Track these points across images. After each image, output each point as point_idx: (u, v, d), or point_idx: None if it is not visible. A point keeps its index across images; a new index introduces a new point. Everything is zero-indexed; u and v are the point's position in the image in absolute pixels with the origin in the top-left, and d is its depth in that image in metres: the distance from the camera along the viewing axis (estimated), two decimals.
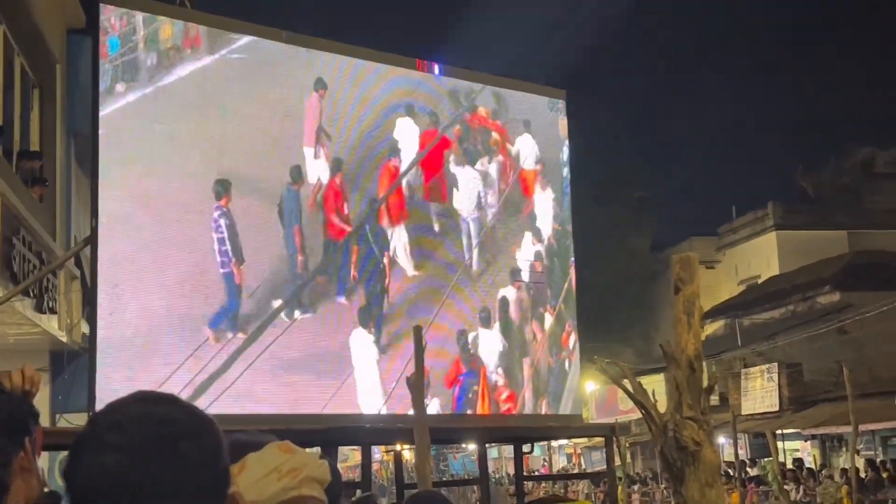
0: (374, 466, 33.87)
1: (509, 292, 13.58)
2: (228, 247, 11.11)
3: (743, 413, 28.33)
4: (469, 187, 13.53)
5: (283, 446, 1.75)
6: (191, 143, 11.01)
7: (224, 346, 10.92)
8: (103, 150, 10.40)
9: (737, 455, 25.17)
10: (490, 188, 13.67)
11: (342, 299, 11.97)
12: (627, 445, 31.22)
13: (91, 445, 1.31)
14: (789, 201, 42.58)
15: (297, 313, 11.62)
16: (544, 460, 39.84)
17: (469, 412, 13.06)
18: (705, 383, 6.68)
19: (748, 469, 27.49)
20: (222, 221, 11.17)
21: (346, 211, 12.19)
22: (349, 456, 32.73)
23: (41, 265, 11.14)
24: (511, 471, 33.38)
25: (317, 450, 10.32)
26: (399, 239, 12.78)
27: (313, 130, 12.27)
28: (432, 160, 13.16)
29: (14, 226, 10.36)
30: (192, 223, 10.87)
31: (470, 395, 13.07)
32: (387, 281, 12.51)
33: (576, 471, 37.36)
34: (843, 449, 26.79)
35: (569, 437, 31.99)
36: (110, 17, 10.70)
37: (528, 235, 14.01)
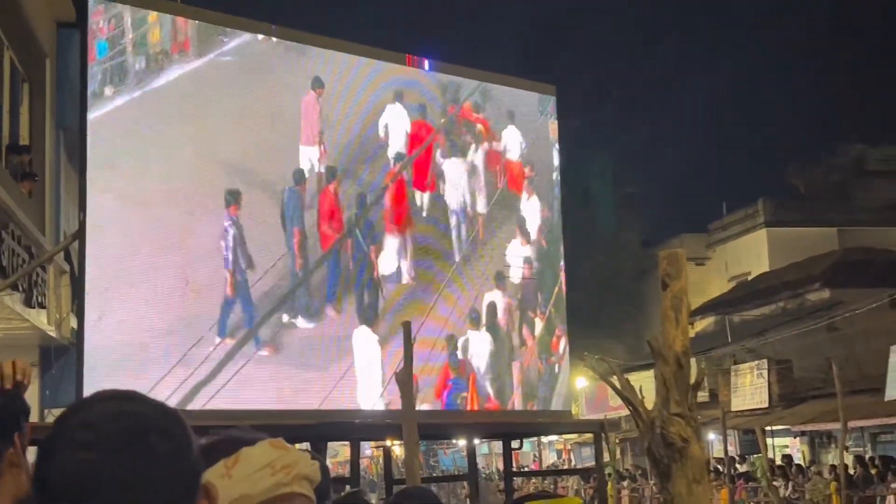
0: (364, 462, 33.86)
1: (497, 297, 13.57)
2: (239, 254, 11.17)
3: (732, 409, 28.36)
4: (456, 179, 13.52)
5: (277, 443, 1.74)
6: (179, 147, 10.99)
7: (216, 347, 10.91)
8: (91, 155, 10.38)
9: (726, 451, 25.21)
10: (476, 179, 13.65)
11: (330, 309, 11.99)
12: (617, 442, 31.25)
13: (62, 445, 1.30)
14: (780, 198, 42.61)
15: (288, 317, 11.64)
16: (534, 456, 39.85)
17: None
18: (693, 379, 6.68)
19: (737, 465, 27.53)
20: (231, 230, 11.24)
21: (338, 220, 12.20)
22: (339, 452, 32.70)
23: (30, 260, 11.11)
24: (501, 466, 33.40)
25: (306, 446, 10.32)
26: (398, 244, 12.78)
27: (312, 130, 12.27)
28: (421, 151, 13.14)
29: (3, 220, 10.33)
30: (182, 226, 10.85)
31: (459, 402, 13.09)
32: (376, 274, 12.51)
33: (565, 467, 37.39)
34: (833, 445, 26.85)
35: (558, 434, 32.04)
36: (99, 21, 10.66)
37: (516, 238, 14.00)
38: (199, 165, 11.12)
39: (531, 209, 14.17)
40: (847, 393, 18.69)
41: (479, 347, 13.23)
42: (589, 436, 26.26)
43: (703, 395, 24.20)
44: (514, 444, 14.55)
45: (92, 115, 10.42)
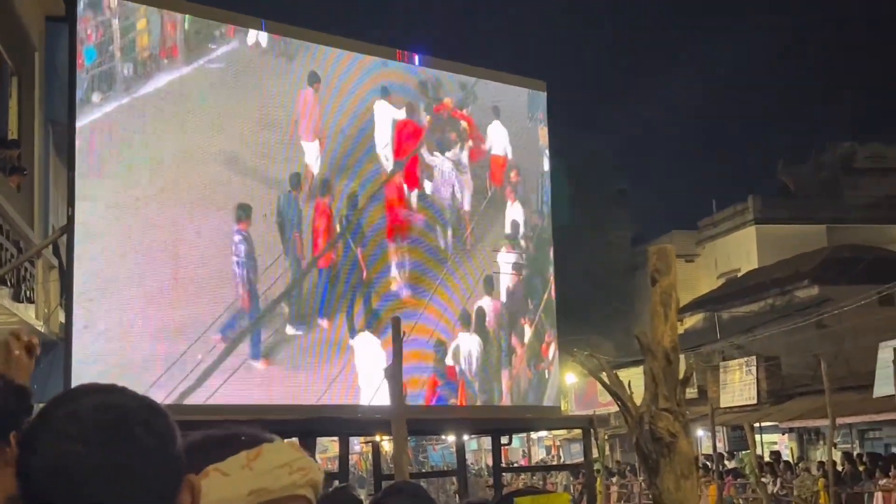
0: (354, 458, 33.84)
1: (486, 302, 13.56)
2: (246, 270, 11.20)
3: (721, 406, 28.45)
4: (443, 176, 13.50)
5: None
6: (168, 154, 10.95)
7: (210, 351, 10.90)
8: (79, 162, 10.34)
9: (715, 448, 25.27)
10: (462, 178, 13.64)
11: (323, 321, 11.98)
12: (606, 438, 31.31)
13: (47, 437, 1.30)
14: (769, 196, 42.72)
15: (284, 324, 11.66)
16: (523, 452, 39.88)
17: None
18: (681, 375, 6.69)
19: (726, 462, 27.60)
20: (242, 246, 11.27)
21: (331, 236, 12.20)
22: (328, 447, 32.66)
23: (19, 254, 11.07)
24: (490, 462, 33.41)
25: (295, 441, 10.30)
26: (389, 246, 12.78)
27: (312, 125, 12.26)
28: (407, 149, 13.12)
29: None
30: (170, 234, 10.81)
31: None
32: (365, 275, 12.51)
33: (555, 463, 37.43)
34: (821, 442, 26.93)
35: (547, 429, 32.04)
36: (87, 27, 10.62)
37: (503, 243, 13.96)
38: (188, 171, 11.09)
39: (516, 213, 14.11)
40: (835, 390, 18.76)
41: (469, 353, 13.22)
42: (578, 432, 26.29)
43: (691, 392, 24.24)
44: (504, 440, 14.56)
45: (80, 123, 10.38)
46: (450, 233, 13.33)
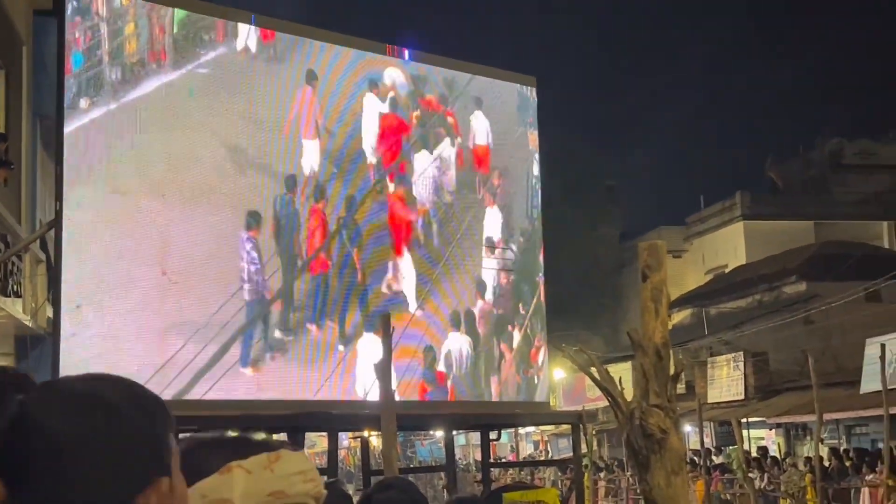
0: (342, 453, 33.81)
1: (476, 305, 13.55)
2: (258, 278, 11.21)
3: (709, 401, 28.49)
4: (427, 173, 13.47)
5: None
6: (156, 159, 10.91)
7: (200, 353, 10.88)
8: (67, 168, 10.29)
9: (702, 443, 25.30)
10: (449, 172, 13.61)
11: (316, 324, 11.97)
12: (594, 433, 31.32)
13: (23, 414, 1.30)
14: (757, 192, 42.79)
15: (278, 327, 11.66)
16: (511, 447, 39.92)
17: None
18: (672, 371, 6.69)
19: (713, 457, 27.64)
20: (253, 253, 11.28)
21: (326, 237, 12.19)
22: (316, 442, 32.64)
23: (6, 248, 11.02)
24: (478, 458, 33.41)
25: (284, 436, 10.30)
26: (383, 246, 12.79)
27: (311, 123, 12.24)
28: (391, 144, 13.08)
29: None
30: (159, 239, 10.77)
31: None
32: (360, 277, 12.51)
33: (543, 458, 37.46)
34: (808, 437, 27.00)
35: (536, 425, 32.09)
36: (75, 32, 10.57)
37: (493, 245, 13.94)
38: (177, 177, 11.05)
39: (497, 217, 14.05)
40: (822, 385, 18.79)
41: (458, 356, 13.22)
42: (566, 427, 26.30)
43: (679, 387, 24.18)
44: (492, 435, 14.56)
45: (68, 128, 10.35)
46: (438, 229, 13.31)
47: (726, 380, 29.95)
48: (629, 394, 7.21)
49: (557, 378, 33.81)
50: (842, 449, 24.10)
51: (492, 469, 16.43)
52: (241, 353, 11.21)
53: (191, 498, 1.44)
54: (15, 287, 11.54)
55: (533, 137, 14.69)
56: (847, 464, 21.94)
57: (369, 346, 12.00)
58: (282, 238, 11.72)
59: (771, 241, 37.61)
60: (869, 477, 20.18)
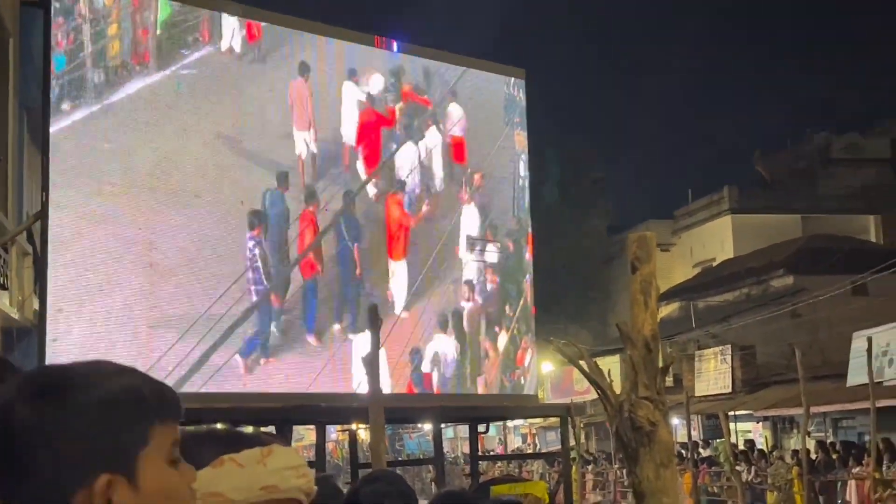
0: (330, 445, 33.82)
1: (462, 306, 13.52)
2: (261, 275, 11.19)
3: (696, 394, 28.53)
4: (414, 170, 13.43)
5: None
6: (140, 161, 10.85)
7: (189, 353, 10.85)
8: (51, 171, 10.23)
9: (689, 436, 25.35)
10: (433, 169, 13.57)
11: (311, 338, 11.95)
12: (582, 426, 31.36)
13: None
14: (745, 185, 42.86)
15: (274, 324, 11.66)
16: (499, 440, 39.96)
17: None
18: (661, 363, 6.68)
19: (701, 450, 27.71)
20: (256, 251, 11.25)
21: (315, 237, 12.17)
22: (304, 435, 32.60)
23: None
24: (466, 450, 33.43)
25: (272, 429, 10.28)
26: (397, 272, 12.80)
27: (304, 115, 12.21)
28: (370, 136, 13.02)
29: None
30: (144, 241, 10.72)
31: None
32: (358, 272, 12.50)
33: (530, 451, 37.50)
34: (795, 431, 27.07)
35: (525, 418, 32.09)
36: (57, 34, 10.50)
37: (478, 246, 13.90)
38: (161, 179, 10.99)
39: (476, 218, 13.99)
40: (809, 379, 18.83)
41: (444, 357, 13.21)
42: (554, 420, 26.31)
43: (667, 380, 24.22)
44: (481, 428, 14.56)
45: (51, 130, 10.27)
46: (425, 229, 13.29)
47: (714, 373, 30.01)
48: (618, 387, 7.21)
49: (545, 371, 33.86)
50: (828, 442, 24.18)
51: (480, 462, 16.43)
52: (234, 351, 11.18)
53: None
54: (1, 280, 11.49)
55: (520, 137, 14.64)
56: (834, 457, 22.02)
57: (362, 343, 12.02)
58: (272, 234, 11.69)
59: (758, 234, 37.70)
60: (855, 470, 20.26)
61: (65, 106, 10.38)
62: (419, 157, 13.38)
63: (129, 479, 1.27)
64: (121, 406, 1.28)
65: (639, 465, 6.19)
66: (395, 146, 13.15)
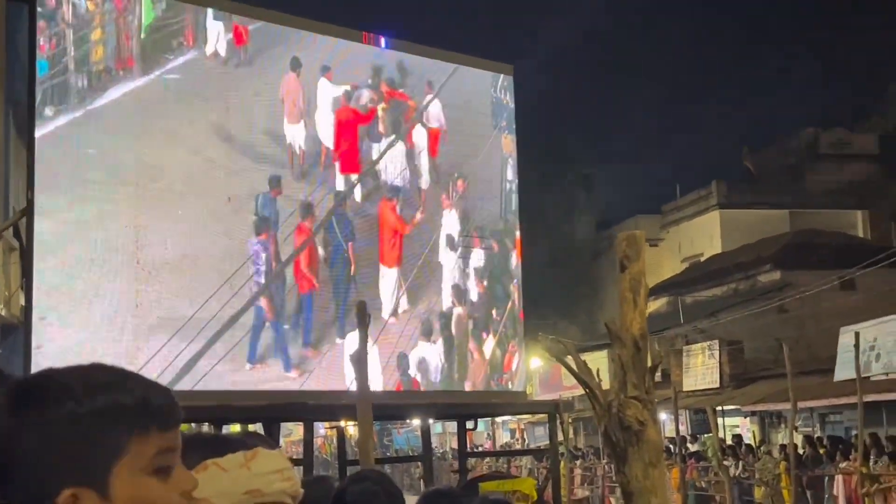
0: (318, 441, 33.79)
1: (449, 311, 13.50)
2: (263, 279, 11.21)
3: (684, 389, 28.58)
4: (399, 165, 13.39)
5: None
6: (126, 167, 10.79)
7: (178, 355, 10.82)
8: (36, 178, 10.17)
9: (677, 431, 25.40)
10: (420, 164, 13.53)
11: (308, 350, 11.94)
12: (570, 421, 31.40)
13: None
14: (733, 180, 42.93)
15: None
16: (488, 435, 39.98)
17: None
18: (650, 362, 6.67)
19: (688, 445, 27.76)
20: (262, 255, 11.23)
21: (316, 262, 12.16)
22: (292, 430, 32.58)
23: None
24: (454, 446, 33.43)
25: (259, 427, 10.25)
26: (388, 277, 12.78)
27: (295, 108, 12.17)
28: (347, 133, 12.97)
29: None
30: (130, 246, 10.66)
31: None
32: (353, 269, 12.50)
33: (519, 446, 37.54)
34: (782, 425, 27.13)
35: (513, 414, 32.12)
36: (40, 39, 10.43)
37: (463, 249, 13.87)
38: (147, 184, 10.94)
39: (461, 222, 13.96)
40: (797, 374, 18.87)
41: (431, 365, 13.20)
42: (543, 416, 26.34)
43: (655, 376, 24.24)
44: (469, 424, 14.56)
45: (35, 136, 10.21)
46: (414, 231, 13.27)
47: (701, 368, 30.06)
48: (605, 383, 7.19)
49: (534, 367, 33.90)
50: (816, 437, 24.25)
51: (468, 458, 16.43)
52: (223, 354, 11.14)
53: None
54: None
55: (507, 141, 14.60)
56: (821, 451, 22.08)
57: (354, 343, 12.02)
58: (262, 235, 11.67)
59: (746, 229, 37.78)
60: (843, 464, 20.31)
61: (48, 111, 10.30)
62: (406, 157, 13.34)
63: (99, 492, 1.26)
64: (94, 419, 1.27)
65: (627, 464, 6.18)
66: (378, 145, 13.10)
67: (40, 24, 10.45)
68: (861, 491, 17.58)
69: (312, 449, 12.50)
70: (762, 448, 24.84)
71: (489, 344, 13.84)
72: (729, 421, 28.99)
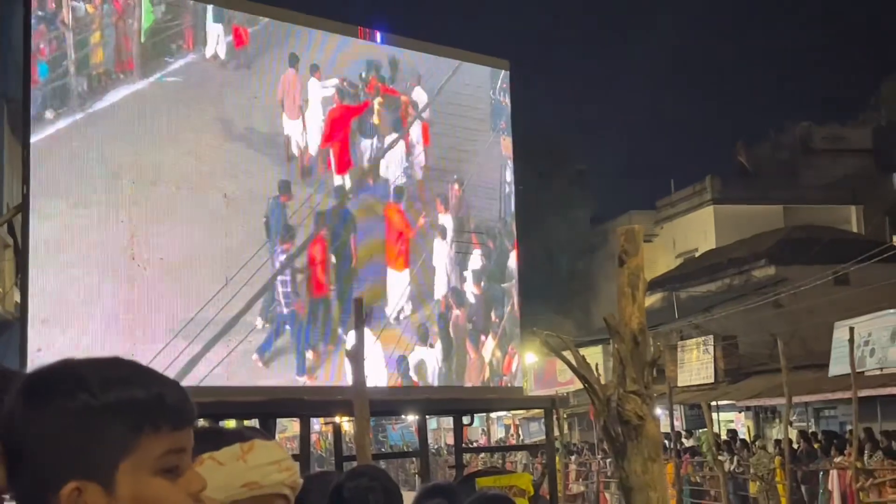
0: (313, 437, 33.76)
1: (449, 313, 13.48)
2: (290, 288, 11.24)
3: (679, 385, 28.62)
4: (398, 164, 13.37)
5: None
6: (125, 171, 10.75)
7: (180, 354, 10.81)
8: (32, 179, 10.14)
9: (672, 426, 25.43)
10: (416, 160, 13.51)
11: (308, 352, 11.94)
12: (565, 416, 31.42)
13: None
14: (727, 176, 42.97)
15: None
16: (483, 431, 40.01)
17: None
18: (649, 357, 6.66)
19: (683, 440, 27.80)
20: (288, 265, 11.29)
21: (328, 269, 12.19)
22: (287, 426, 32.57)
23: None
24: (449, 442, 33.43)
25: (255, 422, 10.23)
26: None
27: (294, 105, 12.16)
28: (341, 131, 12.93)
29: None
30: (129, 252, 10.63)
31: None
32: (355, 262, 12.53)
33: (513, 441, 37.56)
34: (777, 420, 27.17)
35: (509, 410, 32.14)
36: (39, 43, 10.40)
37: (468, 256, 13.85)
38: (147, 188, 10.91)
39: (457, 224, 13.91)
40: (791, 369, 18.91)
41: (430, 368, 13.19)
42: (537, 411, 26.33)
43: None
44: (465, 420, 14.55)
45: (33, 139, 10.18)
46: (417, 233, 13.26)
47: (696, 363, 30.09)
48: (602, 378, 7.18)
49: (529, 362, 33.92)
50: (810, 431, 24.30)
51: (464, 454, 16.42)
52: (222, 356, 11.13)
53: None
54: None
55: (506, 143, 14.56)
56: (816, 446, 22.12)
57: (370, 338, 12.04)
58: (272, 243, 11.69)
59: (741, 225, 37.82)
60: (837, 459, 20.36)
61: (49, 114, 10.28)
62: (406, 157, 13.32)
63: (104, 487, 1.26)
64: (106, 413, 1.26)
65: (626, 459, 6.18)
66: (377, 143, 13.07)
67: (40, 27, 10.41)
68: (856, 486, 17.61)
69: (309, 445, 12.48)
70: (757, 443, 24.88)
71: (488, 346, 13.83)
72: (723, 416, 29.03)
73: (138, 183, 10.81)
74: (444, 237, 13.58)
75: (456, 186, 13.84)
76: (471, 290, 13.77)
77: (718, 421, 27.45)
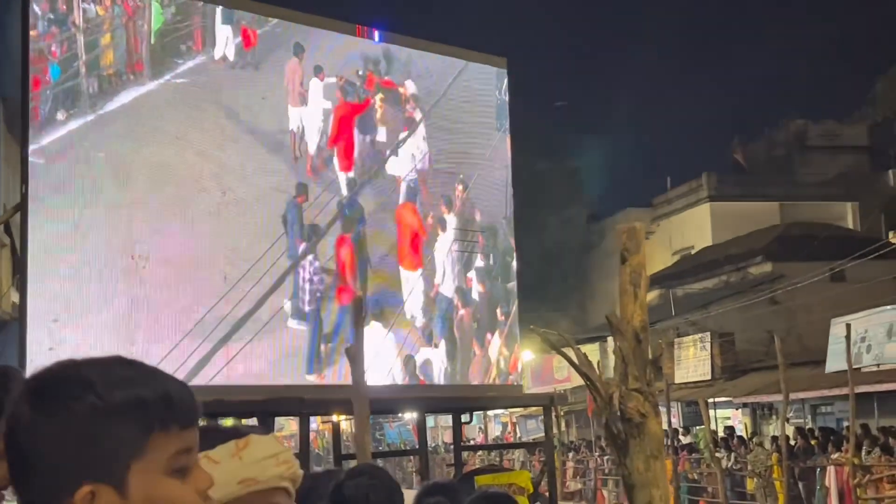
0: (310, 436, 33.78)
1: (454, 312, 13.49)
2: (301, 287, 11.30)
3: (676, 382, 28.66)
4: (400, 158, 13.36)
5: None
6: (135, 170, 10.76)
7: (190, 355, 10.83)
8: (42, 180, 10.14)
9: (669, 423, 25.47)
10: (423, 157, 13.51)
11: (333, 345, 12.00)
12: (562, 414, 31.45)
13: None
14: (723, 173, 42.97)
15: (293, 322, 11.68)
16: (480, 428, 40.03)
17: None
18: (651, 354, 6.66)
19: (680, 437, 27.85)
20: (310, 269, 11.38)
21: (356, 270, 12.25)
22: (284, 425, 32.58)
23: None
24: (447, 439, 33.45)
25: (253, 421, 10.23)
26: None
27: (296, 92, 12.19)
28: (344, 130, 12.93)
29: None
30: (139, 253, 10.62)
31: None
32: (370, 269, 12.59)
33: (511, 438, 37.60)
34: (774, 417, 27.23)
35: (509, 407, 32.16)
36: (51, 44, 10.41)
37: (471, 256, 13.86)
38: (156, 189, 10.91)
39: (461, 223, 13.91)
40: (788, 365, 18.93)
41: (435, 368, 13.20)
42: (534, 409, 26.35)
43: None
44: (464, 417, 14.56)
45: (44, 141, 10.18)
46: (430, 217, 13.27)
47: (693, 360, 30.13)
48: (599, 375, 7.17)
49: (526, 359, 33.94)
50: (807, 428, 24.34)
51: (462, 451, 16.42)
52: (231, 357, 11.13)
53: None
54: None
55: (510, 142, 14.58)
56: (813, 443, 22.16)
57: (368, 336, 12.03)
58: (290, 246, 11.73)
59: (737, 222, 37.82)
60: (834, 455, 20.40)
61: (59, 116, 10.30)
62: (413, 158, 13.33)
63: (117, 488, 1.25)
64: (114, 414, 1.26)
65: (629, 456, 6.18)
66: (383, 141, 13.07)
67: (52, 29, 10.43)
68: (853, 482, 17.65)
69: (308, 444, 12.47)
70: (754, 440, 24.92)
71: (495, 345, 13.86)
72: (721, 413, 29.08)
73: (148, 183, 10.83)
74: (449, 237, 13.61)
75: (460, 187, 13.86)
76: (476, 290, 13.78)
77: (716, 418, 27.49)
